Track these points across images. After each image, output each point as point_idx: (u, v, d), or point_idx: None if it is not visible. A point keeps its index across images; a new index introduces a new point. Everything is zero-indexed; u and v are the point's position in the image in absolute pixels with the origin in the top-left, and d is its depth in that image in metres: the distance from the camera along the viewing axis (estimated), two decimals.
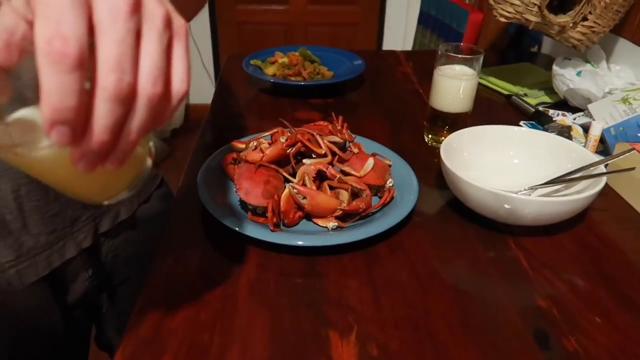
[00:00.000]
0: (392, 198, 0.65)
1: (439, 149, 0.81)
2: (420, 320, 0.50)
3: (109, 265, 0.68)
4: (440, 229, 0.65)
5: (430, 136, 0.85)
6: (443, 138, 0.80)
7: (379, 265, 0.57)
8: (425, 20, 1.83)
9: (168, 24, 0.26)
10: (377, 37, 2.80)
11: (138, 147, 0.30)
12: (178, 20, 0.27)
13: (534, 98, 1.03)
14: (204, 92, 2.52)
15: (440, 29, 1.71)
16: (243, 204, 0.63)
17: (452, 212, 0.68)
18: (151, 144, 0.35)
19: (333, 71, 1.10)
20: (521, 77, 1.12)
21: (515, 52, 1.46)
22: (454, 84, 0.79)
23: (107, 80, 0.24)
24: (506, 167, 0.73)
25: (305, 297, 0.53)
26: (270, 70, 1.06)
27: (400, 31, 2.71)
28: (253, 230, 0.57)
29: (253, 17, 2.74)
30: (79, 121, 0.25)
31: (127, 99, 0.25)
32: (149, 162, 0.34)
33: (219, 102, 1.02)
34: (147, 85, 0.26)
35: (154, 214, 0.71)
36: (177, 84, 0.28)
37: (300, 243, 0.56)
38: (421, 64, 1.26)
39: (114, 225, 0.65)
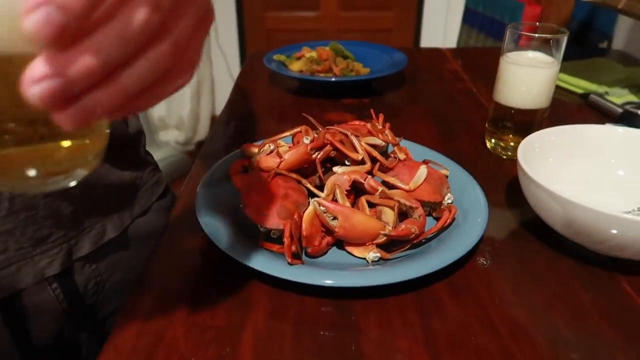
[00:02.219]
0: (453, 220, 0.50)
1: (504, 156, 0.68)
2: None
3: (91, 295, 0.56)
4: (520, 264, 0.49)
5: (493, 141, 0.70)
6: (512, 143, 0.67)
7: (438, 315, 0.42)
8: (470, 18, 1.67)
9: (206, 6, 0.26)
10: (414, 43, 2.65)
11: (99, 125, 0.26)
12: (211, 6, 0.27)
13: (618, 97, 0.85)
14: None
15: (489, 26, 1.55)
16: (253, 225, 0.49)
17: (534, 239, 0.52)
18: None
19: (369, 68, 0.96)
20: (597, 74, 0.95)
21: (578, 49, 1.28)
22: (528, 74, 0.63)
23: (138, 10, 0.22)
24: (606, 180, 0.56)
25: None
26: (295, 66, 0.93)
27: (438, 36, 2.56)
28: (263, 262, 0.44)
29: (283, 24, 2.64)
30: (75, 23, 0.20)
31: (139, 42, 0.22)
32: (95, 160, 0.28)
33: (235, 103, 0.90)
34: (167, 42, 0.24)
35: (151, 230, 0.59)
36: (185, 68, 0.26)
37: (327, 282, 0.42)
38: (472, 60, 1.11)
39: (98, 247, 0.53)
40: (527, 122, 0.65)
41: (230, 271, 0.46)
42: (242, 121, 0.82)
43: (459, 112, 0.85)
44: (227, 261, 0.46)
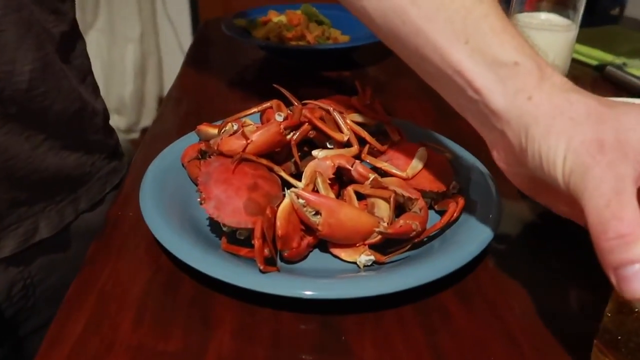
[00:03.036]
0: (460, 213, 0.50)
1: None
2: None
3: (17, 301, 0.54)
4: (541, 263, 0.48)
5: None
6: None
7: (447, 330, 0.41)
8: None
9: None
10: None
11: None
12: None
13: (638, 69, 0.85)
14: None
15: None
16: (214, 224, 0.48)
17: (555, 234, 0.52)
18: None
19: (349, 35, 0.95)
20: (613, 43, 0.96)
21: (587, 16, 1.29)
22: (542, 38, 0.62)
23: None
24: None
25: None
26: (260, 32, 0.92)
27: None
28: (227, 270, 0.42)
29: None
30: None
31: None
32: None
33: (187, 78, 0.88)
34: None
35: (102, 226, 0.57)
36: None
37: (309, 293, 0.40)
38: None
39: (25, 247, 0.53)
40: None
41: (187, 282, 0.45)
42: (196, 99, 0.80)
43: None
44: (182, 270, 0.45)
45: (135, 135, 2.56)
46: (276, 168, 0.49)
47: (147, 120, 2.62)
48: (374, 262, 0.45)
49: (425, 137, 0.59)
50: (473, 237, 0.46)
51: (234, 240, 0.46)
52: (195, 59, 0.95)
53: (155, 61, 2.62)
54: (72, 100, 0.55)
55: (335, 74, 0.88)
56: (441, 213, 0.49)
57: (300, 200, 0.44)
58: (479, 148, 0.60)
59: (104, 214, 0.59)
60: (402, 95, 0.81)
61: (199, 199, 0.46)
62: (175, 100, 0.79)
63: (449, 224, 0.48)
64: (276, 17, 0.95)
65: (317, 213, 0.44)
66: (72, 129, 0.56)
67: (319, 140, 0.52)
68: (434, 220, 0.49)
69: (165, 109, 0.76)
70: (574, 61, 0.92)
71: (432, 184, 0.50)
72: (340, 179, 0.51)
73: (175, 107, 0.77)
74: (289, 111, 0.52)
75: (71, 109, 0.54)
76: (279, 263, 0.46)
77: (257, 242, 0.42)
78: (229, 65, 0.92)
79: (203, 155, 0.53)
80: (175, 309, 0.42)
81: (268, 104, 0.53)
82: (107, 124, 0.64)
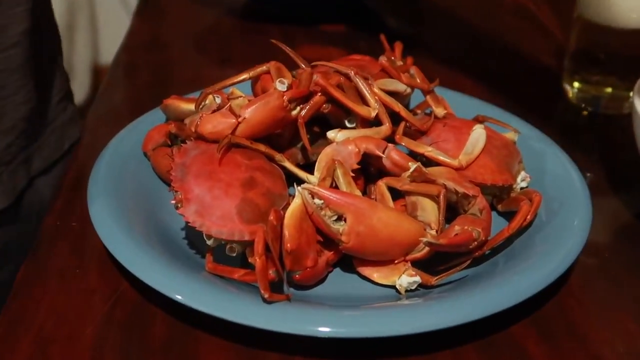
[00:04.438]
0: (534, 216, 0.51)
1: (596, 109, 0.71)
2: None
3: None
4: None
5: (577, 86, 0.72)
6: (609, 89, 0.70)
7: None
8: None
9: None
10: None
11: None
12: None
13: None
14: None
15: None
16: (195, 235, 0.49)
17: None
18: None
19: None
20: None
21: None
22: None
23: None
24: None
25: None
26: None
27: None
28: (216, 300, 0.43)
29: None
30: None
31: None
32: None
33: (140, 36, 0.90)
34: None
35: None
36: None
37: (329, 330, 0.41)
38: None
39: None
40: (635, 53, 0.67)
41: (159, 318, 0.46)
42: (155, 64, 0.82)
43: (514, 44, 0.87)
44: (151, 301, 0.46)
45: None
46: (278, 156, 0.51)
47: (77, 96, 2.62)
48: (420, 286, 0.46)
49: (480, 110, 0.60)
50: (554, 249, 0.47)
51: (224, 258, 0.47)
52: (149, 9, 0.97)
53: (86, 18, 2.64)
54: (23, 16, 0.60)
55: (343, 27, 0.90)
56: (509, 215, 0.50)
57: (317, 201, 0.45)
58: (545, 124, 0.62)
59: (57, 182, 0.65)
60: (436, 55, 0.83)
61: (173, 201, 0.47)
62: (126, 67, 0.81)
63: (520, 231, 0.49)
64: None
65: (340, 218, 0.45)
66: (25, 56, 0.61)
67: (336, 117, 0.53)
68: (499, 226, 0.49)
69: (111, 79, 0.78)
70: None
71: (494, 176, 0.51)
72: (366, 171, 0.51)
73: (127, 76, 0.79)
74: (293, 77, 0.52)
75: (21, 26, 0.60)
76: (289, 289, 0.46)
77: (258, 261, 0.42)
78: (198, 18, 0.94)
79: (174, 140, 0.55)
80: (144, 356, 0.42)
81: (264, 67, 0.53)
82: (60, 50, 0.72)
